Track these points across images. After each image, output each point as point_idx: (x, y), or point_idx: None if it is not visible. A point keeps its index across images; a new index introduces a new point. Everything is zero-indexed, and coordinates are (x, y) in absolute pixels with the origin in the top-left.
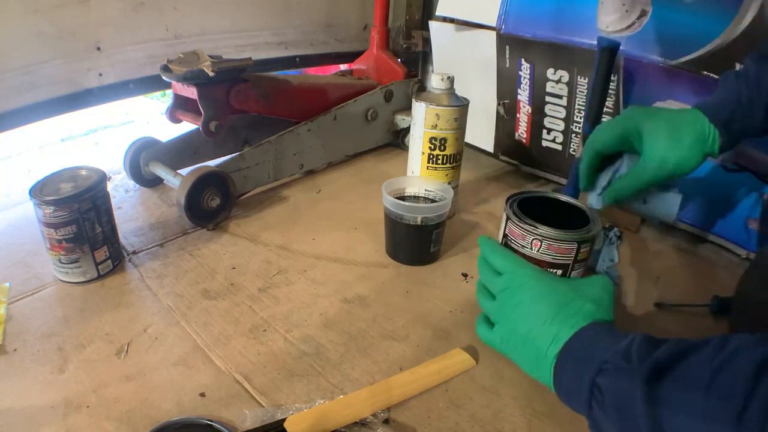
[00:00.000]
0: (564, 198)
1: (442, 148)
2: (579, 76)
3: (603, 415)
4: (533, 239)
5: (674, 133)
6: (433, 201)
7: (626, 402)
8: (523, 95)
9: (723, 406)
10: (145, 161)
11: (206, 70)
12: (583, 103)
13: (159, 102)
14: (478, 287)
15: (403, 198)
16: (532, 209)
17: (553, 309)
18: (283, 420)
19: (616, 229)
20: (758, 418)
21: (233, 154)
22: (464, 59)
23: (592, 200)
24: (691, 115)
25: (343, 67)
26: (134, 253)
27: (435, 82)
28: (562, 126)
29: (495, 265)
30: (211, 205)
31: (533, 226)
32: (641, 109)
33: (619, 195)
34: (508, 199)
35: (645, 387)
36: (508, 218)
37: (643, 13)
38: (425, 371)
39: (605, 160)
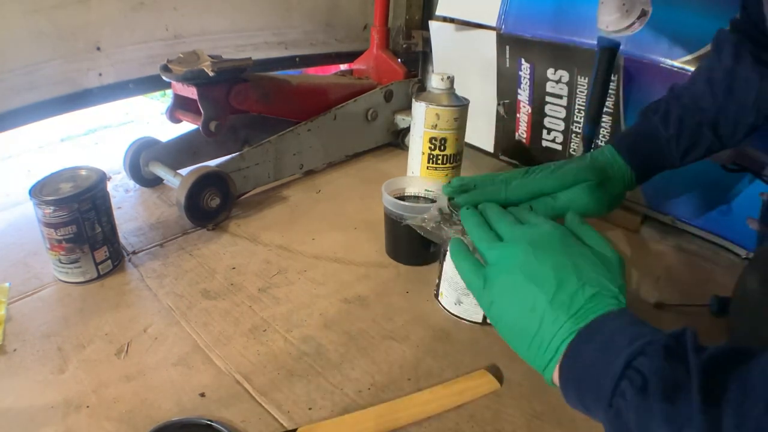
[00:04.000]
0: None
1: (442, 148)
2: (579, 76)
3: (640, 404)
4: None
5: (598, 186)
6: (433, 201)
7: (677, 390)
8: (523, 95)
9: None
10: (145, 161)
11: (206, 70)
12: (584, 103)
13: (159, 102)
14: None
15: (403, 198)
16: None
17: (566, 290)
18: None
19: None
20: None
21: (233, 154)
22: (464, 59)
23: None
24: (606, 159)
25: (343, 67)
26: (134, 253)
27: (435, 82)
28: (562, 126)
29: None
30: (211, 205)
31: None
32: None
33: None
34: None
35: (702, 378)
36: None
37: (643, 13)
38: (446, 392)
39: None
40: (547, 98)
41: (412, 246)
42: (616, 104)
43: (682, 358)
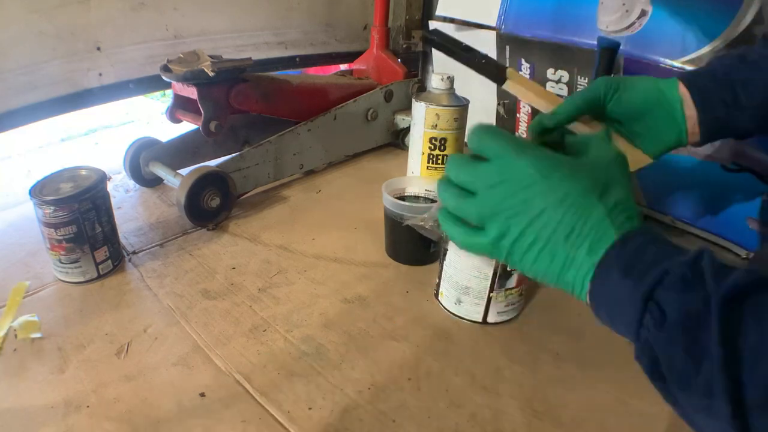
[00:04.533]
0: None
1: (442, 148)
2: (579, 76)
3: (660, 336)
4: None
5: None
6: (433, 201)
7: (695, 322)
8: None
9: None
10: (145, 161)
11: (206, 70)
12: None
13: (159, 102)
14: (443, 180)
15: (403, 198)
16: None
17: (583, 211)
18: None
19: None
20: None
21: (233, 154)
22: None
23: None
24: (666, 84)
25: (343, 67)
26: (134, 253)
27: (435, 82)
28: None
29: (484, 148)
30: (211, 205)
31: None
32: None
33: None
34: None
35: (722, 309)
36: None
37: (643, 13)
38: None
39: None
40: None
41: (412, 246)
42: None
43: (701, 286)
